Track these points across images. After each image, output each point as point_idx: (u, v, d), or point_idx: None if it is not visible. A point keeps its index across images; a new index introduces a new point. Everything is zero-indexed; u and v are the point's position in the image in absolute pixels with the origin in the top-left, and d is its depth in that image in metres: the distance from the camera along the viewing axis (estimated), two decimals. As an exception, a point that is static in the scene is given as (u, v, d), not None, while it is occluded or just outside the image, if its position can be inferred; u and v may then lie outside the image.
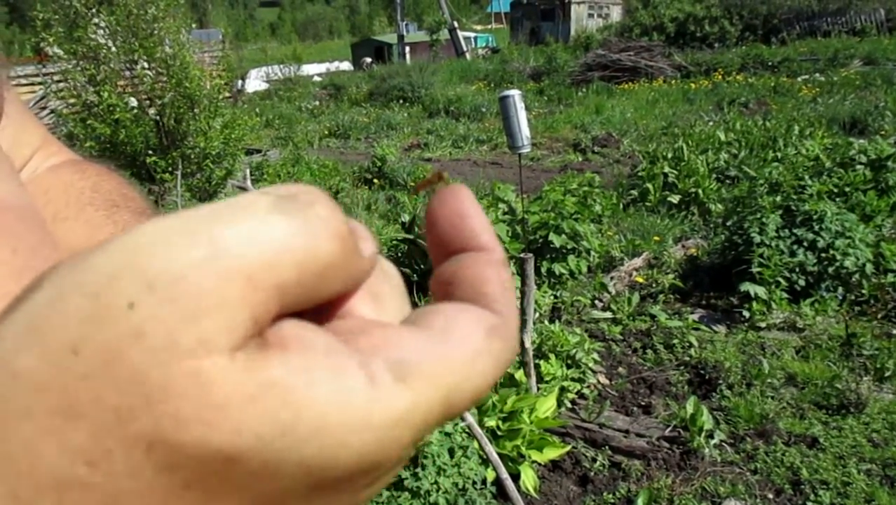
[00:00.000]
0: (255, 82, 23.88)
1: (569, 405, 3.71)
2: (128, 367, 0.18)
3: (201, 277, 0.18)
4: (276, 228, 0.19)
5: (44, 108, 9.66)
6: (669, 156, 7.98)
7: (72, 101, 6.99)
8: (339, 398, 0.19)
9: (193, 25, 7.96)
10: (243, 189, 2.41)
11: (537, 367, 3.59)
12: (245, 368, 0.18)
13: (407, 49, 31.99)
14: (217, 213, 0.19)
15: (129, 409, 0.18)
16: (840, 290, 4.70)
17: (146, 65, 7.01)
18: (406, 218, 5.35)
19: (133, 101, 7.06)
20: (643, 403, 3.80)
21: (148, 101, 7.10)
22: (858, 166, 6.18)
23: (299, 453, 0.19)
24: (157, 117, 7.07)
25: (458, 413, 0.22)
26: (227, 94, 8.13)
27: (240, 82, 20.35)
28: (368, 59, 31.34)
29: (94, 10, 6.82)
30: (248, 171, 2.53)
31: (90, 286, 0.18)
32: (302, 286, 0.20)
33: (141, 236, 0.19)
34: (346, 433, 0.19)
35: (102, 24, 6.86)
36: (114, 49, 6.88)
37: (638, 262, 5.63)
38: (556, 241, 4.58)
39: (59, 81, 7.33)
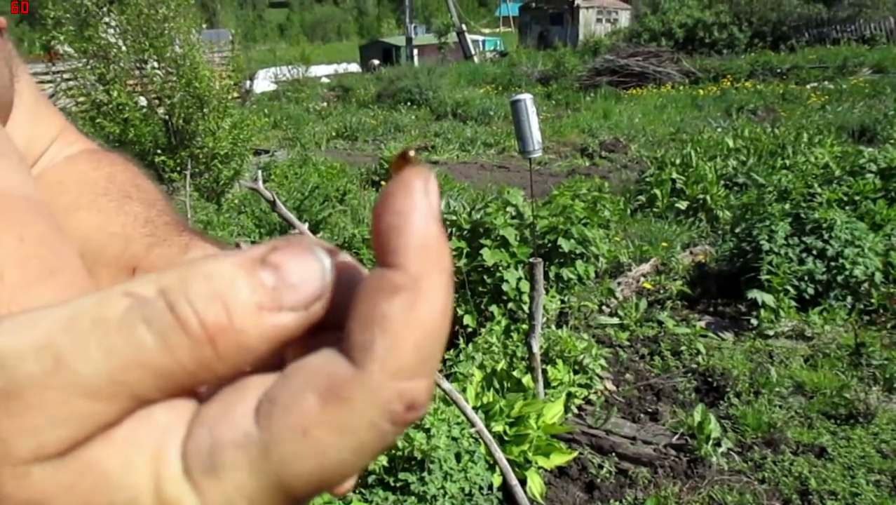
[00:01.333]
0: (263, 83, 23.91)
1: (575, 411, 3.70)
2: None
3: (40, 393, 0.18)
4: (127, 343, 0.19)
5: (53, 106, 9.69)
6: (677, 162, 7.96)
7: (81, 99, 7.01)
8: (150, 484, 0.19)
9: (203, 26, 7.97)
10: (255, 190, 2.40)
11: (544, 372, 3.58)
12: (69, 461, 0.19)
13: (415, 51, 32.01)
14: (71, 324, 0.19)
15: None
16: (849, 299, 4.67)
17: (156, 64, 7.03)
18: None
19: (142, 101, 7.08)
20: (650, 410, 3.78)
21: (157, 101, 7.12)
22: (868, 175, 6.14)
23: None
24: (166, 117, 7.09)
25: (301, 492, 0.20)
26: (236, 95, 8.15)
27: (248, 83, 20.39)
28: (376, 62, 31.37)
29: (104, 9, 6.84)
30: (260, 173, 2.51)
31: None
32: (164, 390, 0.20)
33: None
34: None
35: (113, 24, 6.88)
36: (124, 48, 6.90)
37: (646, 267, 5.61)
38: (565, 245, 4.57)
39: (68, 80, 7.36)
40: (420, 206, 0.21)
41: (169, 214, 0.59)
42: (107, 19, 6.82)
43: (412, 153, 0.25)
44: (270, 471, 0.20)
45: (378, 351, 0.20)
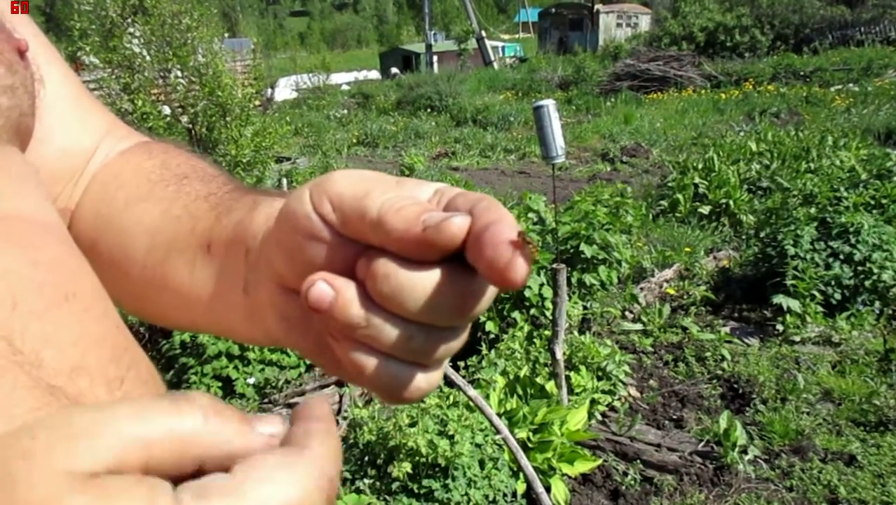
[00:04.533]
0: (284, 91, 24.07)
1: (599, 418, 3.67)
2: None
3: (94, 427, 0.24)
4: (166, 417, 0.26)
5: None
6: (700, 166, 7.90)
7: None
8: None
9: (225, 35, 8.05)
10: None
11: (568, 378, 3.56)
12: (93, 484, 0.23)
13: (435, 58, 32.07)
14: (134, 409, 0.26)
15: None
16: (877, 304, 4.60)
17: (179, 73, 7.10)
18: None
19: (166, 110, 7.15)
20: (675, 417, 3.75)
21: (181, 109, 7.19)
22: None
23: None
24: (190, 125, 7.15)
25: None
26: (258, 103, 8.20)
27: (269, 91, 20.54)
28: (395, 69, 31.48)
29: (129, 20, 6.93)
30: (285, 181, 2.56)
31: None
32: (174, 464, 0.25)
33: None
34: None
35: (137, 34, 6.96)
36: (148, 58, 6.97)
37: (669, 273, 5.57)
38: (588, 251, 4.54)
39: (94, 90, 7.45)
40: (327, 409, 0.32)
41: (230, 183, 0.57)
42: (131, 30, 6.90)
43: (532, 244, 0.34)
44: None
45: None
